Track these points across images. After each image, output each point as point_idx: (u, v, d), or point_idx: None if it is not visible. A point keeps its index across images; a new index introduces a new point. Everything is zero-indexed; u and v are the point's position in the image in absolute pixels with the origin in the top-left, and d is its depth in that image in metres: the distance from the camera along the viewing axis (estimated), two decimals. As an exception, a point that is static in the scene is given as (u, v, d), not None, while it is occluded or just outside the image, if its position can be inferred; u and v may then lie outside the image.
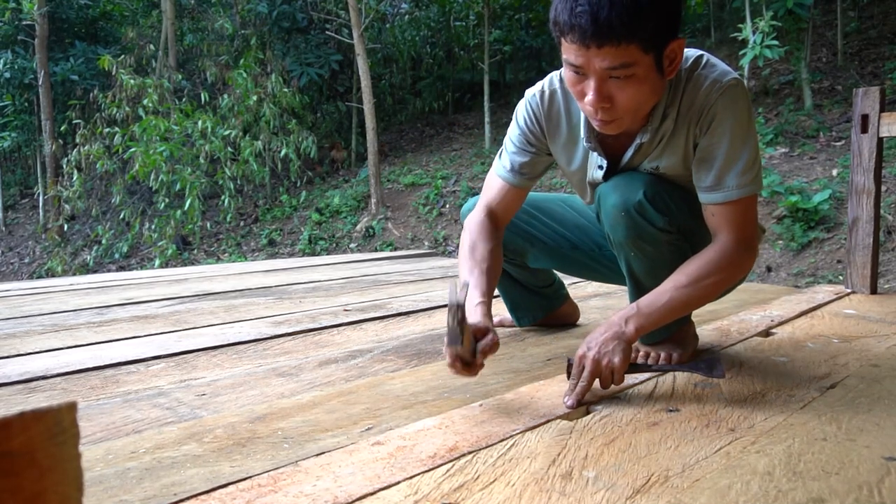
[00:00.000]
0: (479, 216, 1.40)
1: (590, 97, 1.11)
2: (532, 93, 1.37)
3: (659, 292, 1.22)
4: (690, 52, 1.23)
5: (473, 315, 1.19)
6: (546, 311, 1.81)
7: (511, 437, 1.02)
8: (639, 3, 1.03)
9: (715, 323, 1.81)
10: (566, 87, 1.22)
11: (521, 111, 1.38)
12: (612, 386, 1.20)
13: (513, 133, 1.40)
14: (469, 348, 1.11)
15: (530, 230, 1.62)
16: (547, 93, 1.34)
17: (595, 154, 1.33)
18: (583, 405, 1.15)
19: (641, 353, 1.42)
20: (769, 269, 4.32)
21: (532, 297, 1.78)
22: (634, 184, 1.27)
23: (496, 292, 1.43)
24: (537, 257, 1.64)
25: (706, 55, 1.23)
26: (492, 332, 1.16)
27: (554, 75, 1.35)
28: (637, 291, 1.34)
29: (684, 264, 1.24)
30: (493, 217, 1.42)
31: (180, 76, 8.63)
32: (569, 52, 1.10)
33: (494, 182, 1.43)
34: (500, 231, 1.42)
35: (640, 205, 1.25)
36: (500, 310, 1.91)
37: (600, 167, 1.33)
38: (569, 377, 1.21)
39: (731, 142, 1.20)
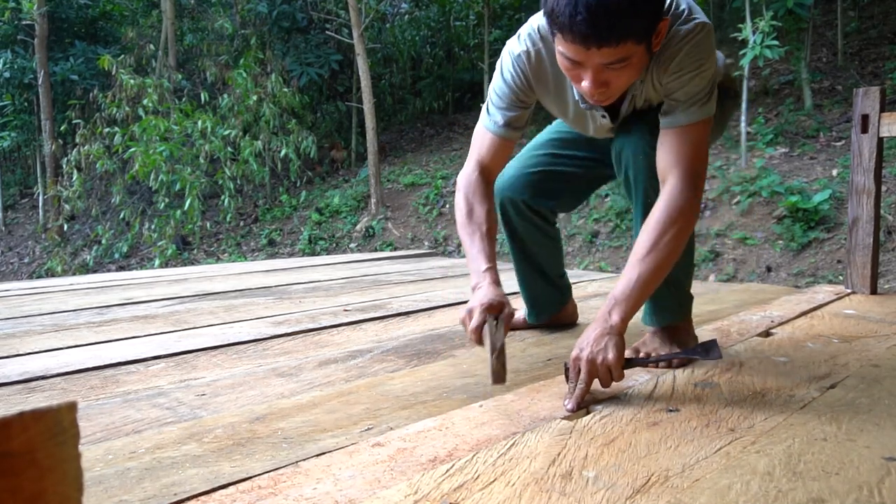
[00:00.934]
0: (472, 175, 1.44)
1: (587, 85, 1.15)
2: (517, 52, 1.36)
3: (626, 274, 1.24)
4: None
5: (484, 284, 1.27)
6: (559, 306, 1.84)
7: (511, 437, 1.02)
8: (635, 5, 1.05)
9: (715, 323, 1.81)
10: (550, 47, 1.28)
11: (508, 69, 1.38)
12: (613, 383, 1.19)
13: (499, 90, 1.40)
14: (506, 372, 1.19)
15: (565, 170, 1.64)
16: (532, 53, 1.35)
17: (591, 110, 1.39)
18: (582, 407, 1.15)
19: (642, 355, 1.43)
20: (769, 269, 4.32)
21: (550, 291, 1.81)
22: (641, 129, 1.35)
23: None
24: (574, 192, 1.69)
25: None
26: (506, 304, 1.24)
27: (532, 31, 1.34)
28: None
29: (639, 235, 1.26)
30: (486, 172, 1.45)
31: (180, 76, 8.63)
32: (566, 48, 1.12)
33: (485, 137, 1.45)
34: (491, 186, 1.46)
35: (651, 145, 1.32)
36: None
37: (603, 116, 1.40)
38: (567, 381, 1.21)
39: (690, 79, 1.23)
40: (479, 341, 1.21)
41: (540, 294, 1.82)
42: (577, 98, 1.35)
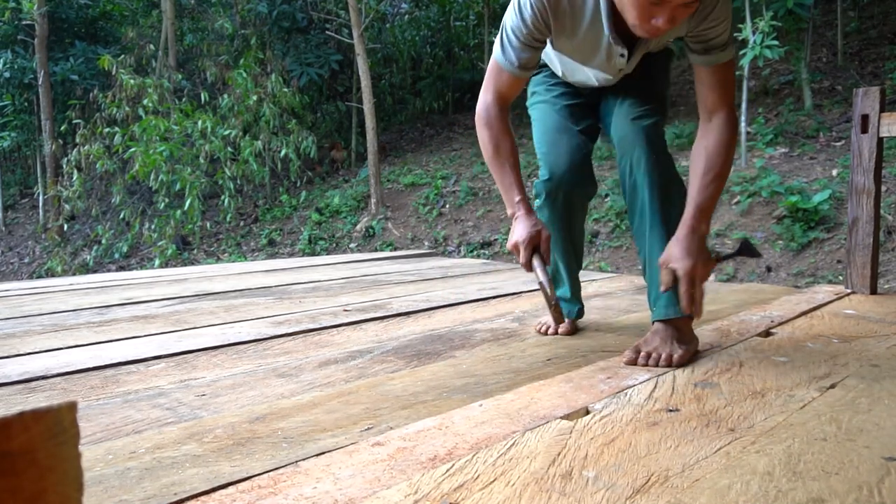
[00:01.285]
0: (492, 108, 1.52)
1: (660, 22, 1.23)
2: None
3: (704, 187, 1.39)
4: None
5: (520, 214, 1.47)
6: (581, 304, 1.87)
7: (511, 436, 1.02)
8: None
9: (715, 323, 1.81)
10: None
11: (528, 10, 1.39)
12: (612, 384, 1.22)
13: (517, 29, 1.42)
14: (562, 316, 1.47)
15: (591, 145, 1.69)
16: None
17: (615, 46, 1.46)
18: (582, 407, 1.15)
19: (642, 354, 1.43)
20: (769, 269, 4.32)
21: (578, 283, 1.86)
22: (645, 127, 1.54)
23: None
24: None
25: None
26: (542, 230, 1.45)
27: None
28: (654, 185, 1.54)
29: (708, 156, 1.41)
30: (503, 101, 1.53)
31: (180, 76, 8.63)
32: None
33: (501, 73, 1.49)
34: (507, 115, 1.55)
35: (653, 147, 1.53)
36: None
37: (622, 56, 1.48)
38: (666, 288, 1.39)
39: (724, 28, 1.37)
40: (530, 271, 1.45)
41: (578, 285, 1.85)
42: (606, 33, 1.40)
